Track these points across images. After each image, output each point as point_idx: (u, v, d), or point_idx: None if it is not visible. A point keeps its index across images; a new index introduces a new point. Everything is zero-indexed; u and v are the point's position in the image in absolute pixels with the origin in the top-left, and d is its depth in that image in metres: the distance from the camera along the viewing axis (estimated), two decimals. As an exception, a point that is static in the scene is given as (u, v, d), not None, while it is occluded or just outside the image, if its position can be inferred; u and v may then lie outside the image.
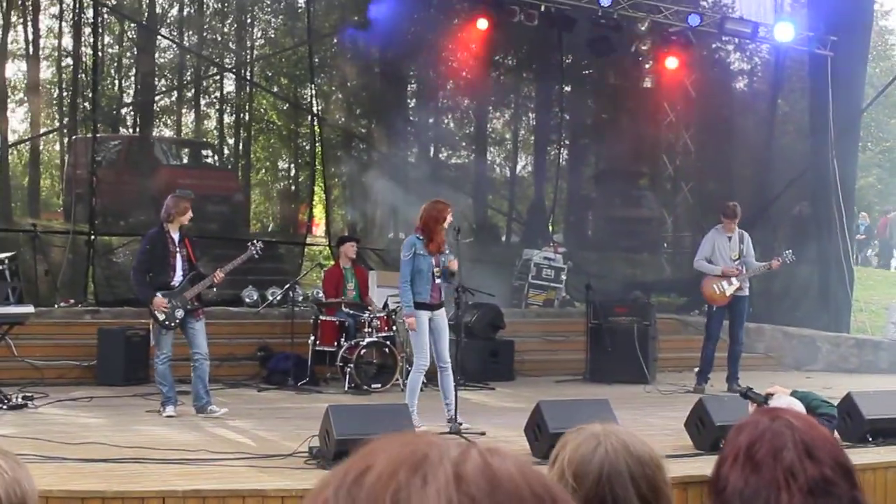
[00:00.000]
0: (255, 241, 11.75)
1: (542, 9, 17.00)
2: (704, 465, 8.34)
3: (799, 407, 6.79)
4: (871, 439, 9.78)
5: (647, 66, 18.53)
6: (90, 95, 18.27)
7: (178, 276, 11.09)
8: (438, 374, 10.56)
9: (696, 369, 14.13)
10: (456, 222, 10.76)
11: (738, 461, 2.44)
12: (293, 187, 23.78)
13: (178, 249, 11.12)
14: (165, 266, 11.06)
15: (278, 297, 15.73)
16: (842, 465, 2.40)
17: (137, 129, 21.49)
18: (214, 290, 11.76)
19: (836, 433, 7.69)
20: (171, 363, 11.07)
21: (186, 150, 22.51)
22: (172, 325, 11.00)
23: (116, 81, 21.90)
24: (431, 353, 10.49)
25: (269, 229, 24.19)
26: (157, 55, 21.60)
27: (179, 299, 10.99)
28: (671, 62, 17.83)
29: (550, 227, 22.25)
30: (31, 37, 20.82)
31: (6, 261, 13.73)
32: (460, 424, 10.04)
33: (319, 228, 22.90)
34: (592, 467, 2.55)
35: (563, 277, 18.36)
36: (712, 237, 13.99)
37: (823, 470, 2.36)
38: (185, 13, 21.93)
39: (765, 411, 2.58)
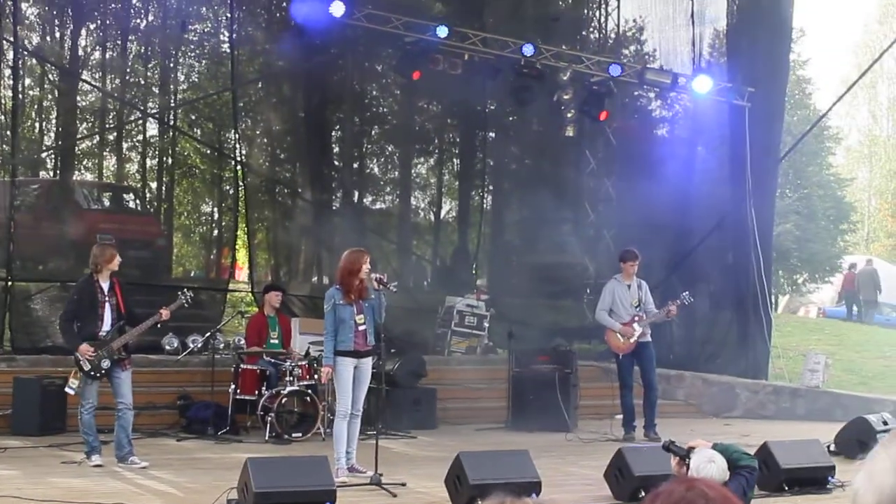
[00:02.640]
0: (184, 290, 11.68)
1: (466, 57, 17.15)
2: (622, 518, 8.40)
3: (720, 460, 6.87)
4: (787, 488, 9.94)
5: (569, 114, 18.72)
6: (9, 138, 18.02)
7: (106, 326, 10.99)
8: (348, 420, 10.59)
9: (619, 417, 14.21)
10: (380, 269, 10.80)
11: None
12: (216, 231, 23.68)
13: (107, 298, 11.01)
14: (94, 316, 10.94)
15: (199, 345, 15.60)
16: None
17: (58, 173, 21.27)
18: (158, 325, 11.62)
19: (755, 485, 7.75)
20: (95, 413, 10.93)
21: (108, 194, 22.28)
22: (98, 374, 10.87)
23: (37, 125, 21.71)
24: None
25: (192, 274, 24.05)
26: (78, 98, 21.43)
27: (106, 349, 10.86)
28: (593, 113, 18.06)
29: (474, 272, 22.33)
30: (-51, 79, 20.58)
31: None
32: (381, 475, 10.01)
33: (243, 273, 22.79)
34: None
35: (486, 325, 18.40)
36: (612, 287, 14.20)
37: None
38: (107, 56, 21.79)
39: (680, 480, 2.60)
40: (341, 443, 10.47)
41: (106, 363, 10.85)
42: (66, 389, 11.25)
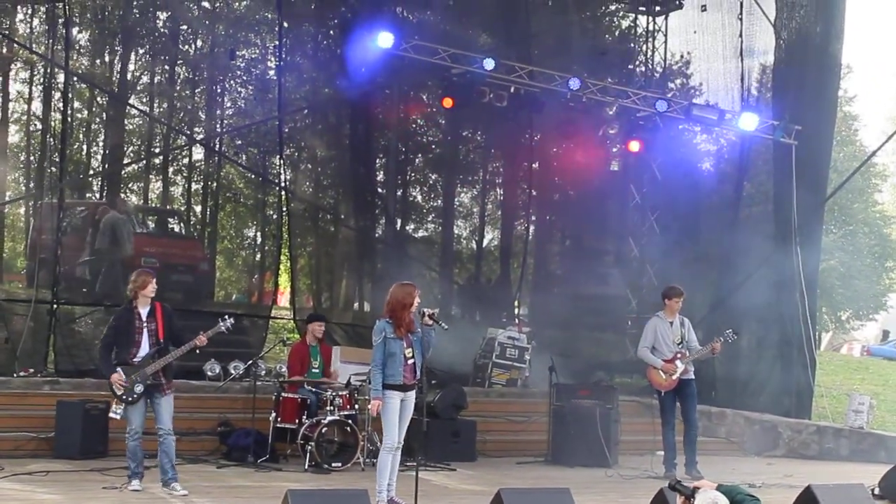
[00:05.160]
0: (225, 317, 11.66)
1: (512, 90, 17.17)
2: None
3: (724, 501, 6.87)
4: (830, 534, 9.80)
5: (614, 149, 18.72)
6: (57, 161, 18.18)
7: (142, 352, 11.05)
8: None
9: (660, 454, 14.10)
10: (423, 301, 10.75)
11: None
12: (259, 256, 23.76)
13: (145, 325, 11.09)
14: (129, 342, 11.03)
15: (241, 372, 15.64)
16: None
17: (104, 196, 21.43)
18: (197, 351, 11.62)
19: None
20: (141, 439, 10.99)
21: (153, 217, 22.42)
22: (130, 399, 10.93)
23: (84, 147, 21.90)
24: None
25: (234, 298, 24.13)
26: (126, 121, 21.62)
27: (140, 374, 10.93)
28: (637, 147, 18.03)
29: (516, 303, 22.27)
30: (0, 101, 20.82)
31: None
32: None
33: (284, 297, 22.83)
34: None
35: (527, 357, 18.35)
36: (654, 324, 14.07)
37: None
38: (155, 81, 21.99)
39: None
40: (384, 475, 10.43)
41: (139, 388, 10.93)
42: (111, 415, 11.31)
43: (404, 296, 10.51)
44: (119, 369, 10.91)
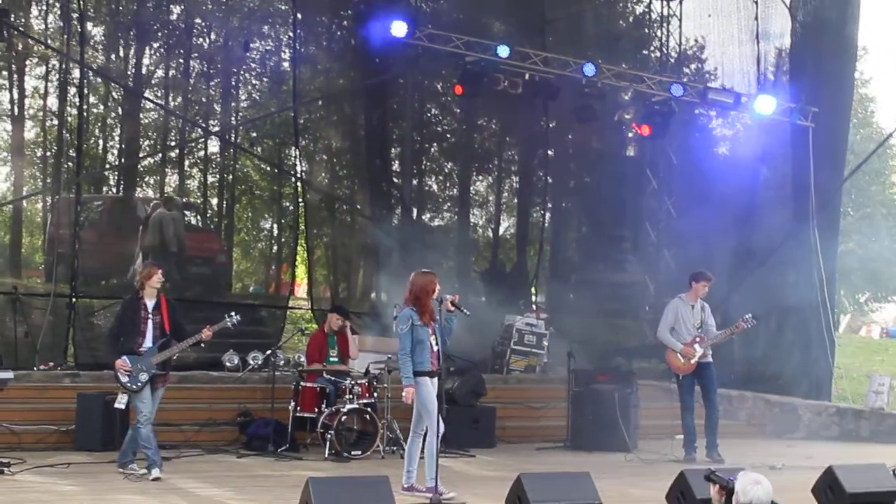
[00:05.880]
0: (232, 314, 11.71)
1: (527, 77, 17.12)
2: (686, 542, 8.30)
3: (766, 482, 6.72)
4: (853, 515, 9.75)
5: (629, 134, 18.66)
6: (74, 155, 18.26)
7: (147, 342, 11.21)
8: (410, 439, 10.68)
9: (680, 437, 14.07)
10: (442, 290, 10.75)
11: None
12: (275, 248, 23.82)
13: (150, 315, 11.25)
14: (135, 332, 11.18)
15: (259, 362, 15.68)
16: None
17: (121, 190, 21.50)
18: (203, 345, 11.74)
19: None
20: (151, 424, 11.10)
21: (169, 210, 22.43)
22: (134, 386, 11.06)
23: (100, 142, 21.96)
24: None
25: (251, 289, 24.19)
26: (141, 115, 21.67)
27: (145, 363, 11.09)
28: (648, 130, 17.96)
29: (533, 290, 22.26)
30: (16, 97, 20.89)
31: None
32: (441, 495, 9.98)
33: (302, 288, 22.87)
34: None
35: (545, 343, 18.35)
36: (675, 306, 14.04)
37: None
38: (170, 74, 22.03)
39: None
40: (432, 464, 10.36)
41: (144, 376, 11.07)
42: (116, 405, 11.43)
43: (426, 283, 10.57)
44: (125, 357, 11.04)
